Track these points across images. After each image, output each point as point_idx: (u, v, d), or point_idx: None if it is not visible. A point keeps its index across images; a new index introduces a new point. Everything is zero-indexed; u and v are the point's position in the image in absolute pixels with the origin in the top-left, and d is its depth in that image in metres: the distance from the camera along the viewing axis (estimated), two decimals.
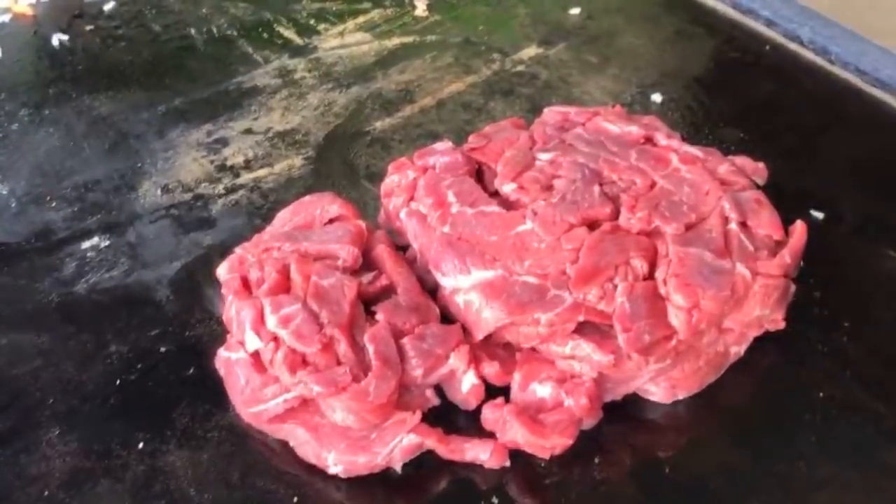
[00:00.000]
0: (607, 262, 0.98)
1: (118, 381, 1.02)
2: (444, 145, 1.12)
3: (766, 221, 1.03)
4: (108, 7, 1.56)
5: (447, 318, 1.02)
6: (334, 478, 0.92)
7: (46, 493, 0.92)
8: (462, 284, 1.00)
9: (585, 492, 0.92)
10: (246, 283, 1.00)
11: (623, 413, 0.98)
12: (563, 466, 0.94)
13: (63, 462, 0.95)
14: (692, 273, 0.97)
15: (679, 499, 0.92)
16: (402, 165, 1.12)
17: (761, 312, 1.00)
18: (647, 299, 0.96)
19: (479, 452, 0.93)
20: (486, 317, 0.97)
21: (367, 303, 1.00)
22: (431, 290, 1.04)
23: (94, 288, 1.11)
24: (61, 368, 1.03)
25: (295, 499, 0.92)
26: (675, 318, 0.96)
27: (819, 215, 1.12)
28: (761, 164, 1.12)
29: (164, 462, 0.94)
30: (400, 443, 0.92)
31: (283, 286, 0.98)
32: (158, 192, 1.24)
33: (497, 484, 0.93)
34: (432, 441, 0.93)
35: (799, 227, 1.04)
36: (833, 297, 1.07)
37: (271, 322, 0.94)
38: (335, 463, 0.92)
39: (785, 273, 1.02)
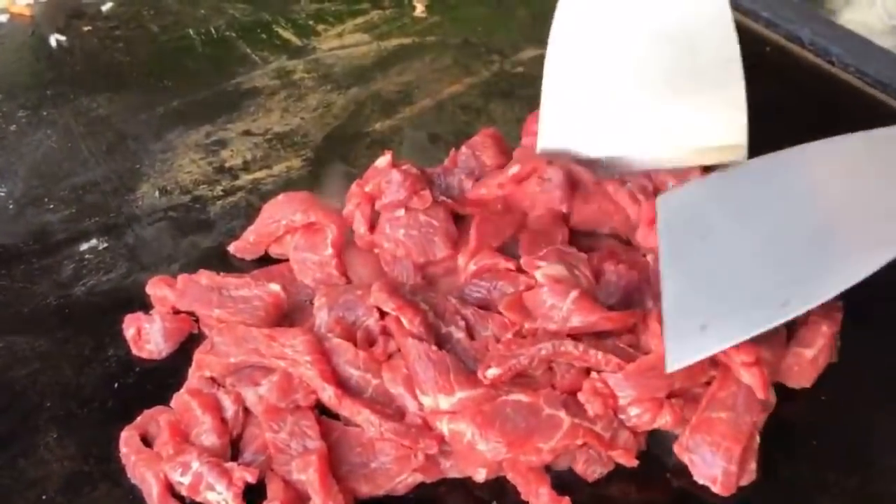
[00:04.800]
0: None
1: (116, 385, 1.01)
2: (384, 161, 1.10)
3: None
4: (106, 7, 1.56)
5: None
6: None
7: (44, 497, 0.92)
8: (443, 406, 0.92)
9: (586, 496, 0.92)
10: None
11: None
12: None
13: (61, 466, 0.94)
14: None
15: (680, 501, 0.92)
16: (352, 195, 1.11)
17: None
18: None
19: (473, 474, 0.93)
20: (482, 450, 0.90)
21: None
22: None
23: (92, 290, 1.11)
24: (59, 372, 1.03)
25: None
26: (747, 377, 0.94)
27: None
28: None
29: None
30: (405, 480, 0.92)
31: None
32: (157, 193, 1.23)
33: (497, 490, 0.93)
34: (435, 476, 0.93)
35: None
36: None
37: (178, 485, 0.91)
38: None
39: None
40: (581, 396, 0.93)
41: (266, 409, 0.94)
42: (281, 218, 1.10)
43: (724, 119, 1.08)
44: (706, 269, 0.96)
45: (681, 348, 0.91)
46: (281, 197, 1.13)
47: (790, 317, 0.89)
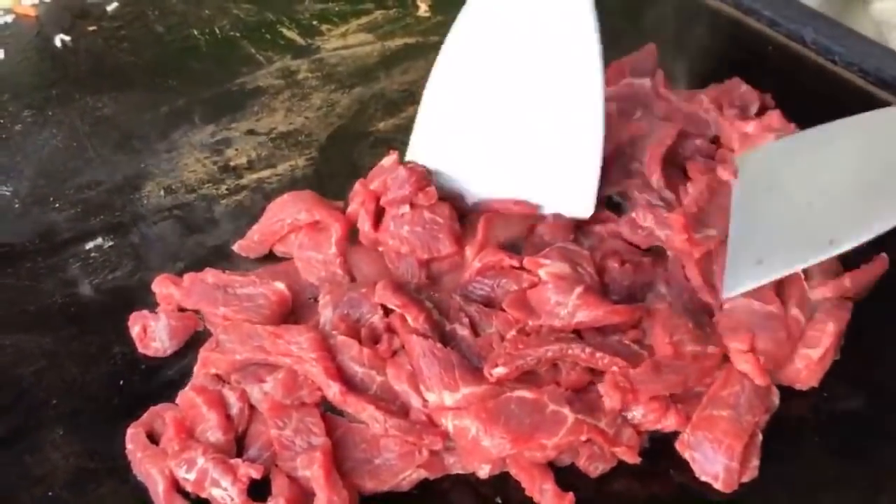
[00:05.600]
0: None
1: (122, 382, 1.02)
2: (390, 160, 1.11)
3: None
4: (111, 8, 1.56)
5: None
6: None
7: (50, 493, 0.93)
8: (448, 402, 0.93)
9: (590, 492, 0.92)
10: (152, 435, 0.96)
11: None
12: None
13: (67, 463, 0.95)
14: (741, 321, 0.99)
15: (684, 500, 0.92)
16: (356, 193, 1.11)
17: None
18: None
19: (477, 470, 0.94)
20: (487, 446, 0.91)
21: None
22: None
23: (98, 289, 1.11)
24: (65, 369, 1.03)
25: None
26: (743, 364, 0.96)
27: None
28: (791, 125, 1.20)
29: None
30: (409, 476, 0.92)
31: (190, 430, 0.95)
32: (162, 193, 1.24)
33: (500, 486, 0.93)
34: (439, 472, 0.94)
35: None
36: None
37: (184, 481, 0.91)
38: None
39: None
40: (601, 388, 0.94)
41: (271, 405, 0.94)
42: (285, 217, 1.11)
43: (573, 188, 1.11)
44: (769, 215, 1.06)
45: (736, 278, 1.02)
46: (285, 196, 1.14)
47: (837, 252, 0.97)
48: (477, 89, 1.09)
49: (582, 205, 1.10)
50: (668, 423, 0.94)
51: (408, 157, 1.12)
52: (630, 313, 0.98)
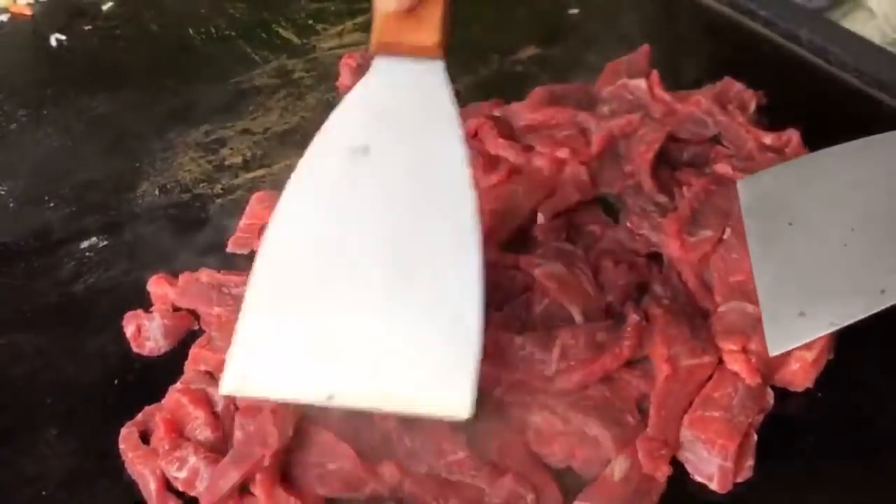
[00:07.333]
0: None
1: (116, 382, 1.02)
2: None
3: None
4: (106, 7, 1.56)
5: None
6: None
7: (44, 492, 0.93)
8: None
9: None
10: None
11: None
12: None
13: (61, 462, 0.95)
14: (736, 323, 0.98)
15: (678, 499, 0.92)
16: None
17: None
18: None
19: None
20: None
21: None
22: None
23: (93, 288, 1.11)
24: (59, 369, 1.03)
25: None
26: (734, 364, 0.96)
27: None
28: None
29: None
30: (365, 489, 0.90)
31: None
32: (156, 192, 1.24)
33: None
34: None
35: None
36: None
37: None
38: None
39: None
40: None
41: (244, 406, 0.93)
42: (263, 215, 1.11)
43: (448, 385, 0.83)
44: (798, 256, 0.97)
45: (781, 334, 0.94)
46: (256, 195, 1.17)
47: (888, 304, 0.90)
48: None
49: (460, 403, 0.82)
50: None
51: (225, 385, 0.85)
52: (615, 360, 0.95)
